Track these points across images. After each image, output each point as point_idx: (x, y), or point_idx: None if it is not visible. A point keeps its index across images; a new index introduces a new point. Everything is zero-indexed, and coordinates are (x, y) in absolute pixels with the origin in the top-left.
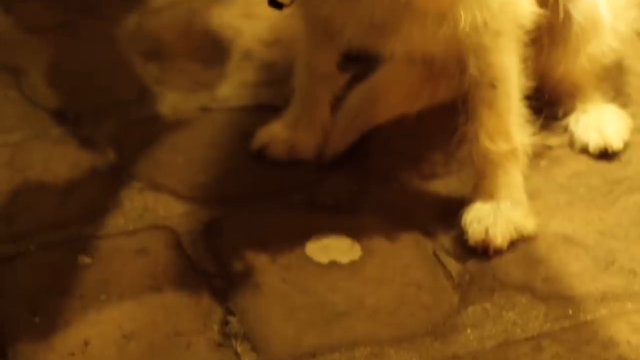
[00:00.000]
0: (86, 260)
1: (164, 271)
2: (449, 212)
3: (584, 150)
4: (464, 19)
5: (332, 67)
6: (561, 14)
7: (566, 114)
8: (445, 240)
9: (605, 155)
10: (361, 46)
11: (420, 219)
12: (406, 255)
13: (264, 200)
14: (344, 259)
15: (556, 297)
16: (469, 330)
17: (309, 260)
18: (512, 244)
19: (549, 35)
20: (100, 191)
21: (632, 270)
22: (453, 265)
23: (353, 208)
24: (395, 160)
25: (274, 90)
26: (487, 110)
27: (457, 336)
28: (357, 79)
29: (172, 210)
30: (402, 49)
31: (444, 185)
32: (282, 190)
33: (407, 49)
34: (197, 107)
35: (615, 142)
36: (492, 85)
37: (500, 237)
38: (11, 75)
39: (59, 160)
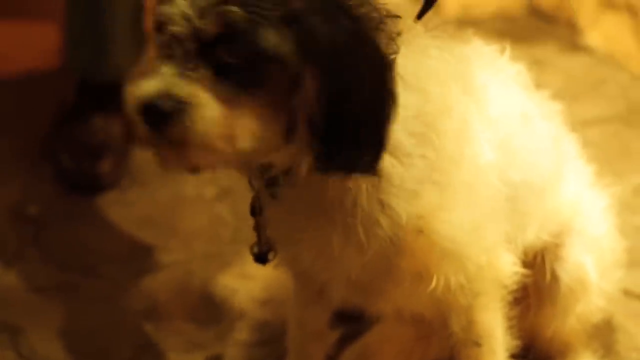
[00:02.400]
0: None
1: None
2: None
3: None
4: (437, 282)
5: (323, 325)
6: (548, 275)
7: None
8: None
9: None
10: (349, 304)
11: None
12: None
13: None
14: None
15: None
16: None
17: None
18: None
19: (536, 295)
20: None
21: None
22: None
23: None
24: None
25: (268, 350)
26: None
27: None
28: (349, 337)
29: None
30: (388, 307)
31: None
32: None
33: (393, 307)
34: None
35: None
36: (477, 344)
37: None
38: (9, 334)
39: None
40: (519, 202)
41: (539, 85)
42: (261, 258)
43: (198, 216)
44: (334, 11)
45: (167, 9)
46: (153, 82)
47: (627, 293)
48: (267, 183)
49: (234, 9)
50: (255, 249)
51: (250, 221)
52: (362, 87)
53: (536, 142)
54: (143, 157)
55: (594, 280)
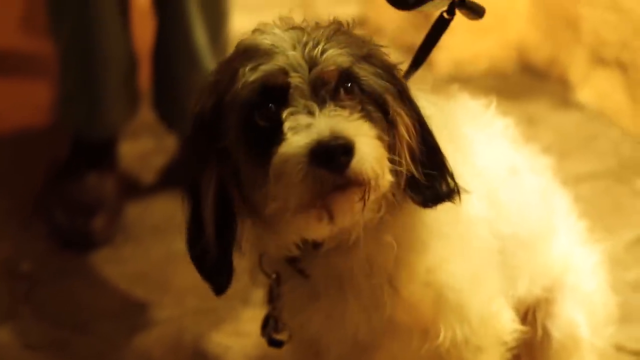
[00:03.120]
0: None
1: None
2: None
3: None
4: (444, 335)
5: None
6: (540, 332)
7: None
8: None
9: None
10: None
11: None
12: None
13: None
14: None
15: None
16: None
17: None
18: None
19: (527, 352)
20: None
21: None
22: None
23: None
24: None
25: None
26: None
27: None
28: None
29: None
30: None
31: None
32: None
33: None
34: None
35: None
36: None
37: None
38: None
39: None
40: (507, 255)
41: (530, 141)
42: (276, 342)
43: (191, 272)
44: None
45: (275, 65)
46: (310, 131)
47: (620, 349)
48: (290, 260)
49: (340, 51)
50: (270, 334)
51: (243, 277)
52: (428, 126)
53: (524, 196)
54: (136, 213)
55: (586, 336)
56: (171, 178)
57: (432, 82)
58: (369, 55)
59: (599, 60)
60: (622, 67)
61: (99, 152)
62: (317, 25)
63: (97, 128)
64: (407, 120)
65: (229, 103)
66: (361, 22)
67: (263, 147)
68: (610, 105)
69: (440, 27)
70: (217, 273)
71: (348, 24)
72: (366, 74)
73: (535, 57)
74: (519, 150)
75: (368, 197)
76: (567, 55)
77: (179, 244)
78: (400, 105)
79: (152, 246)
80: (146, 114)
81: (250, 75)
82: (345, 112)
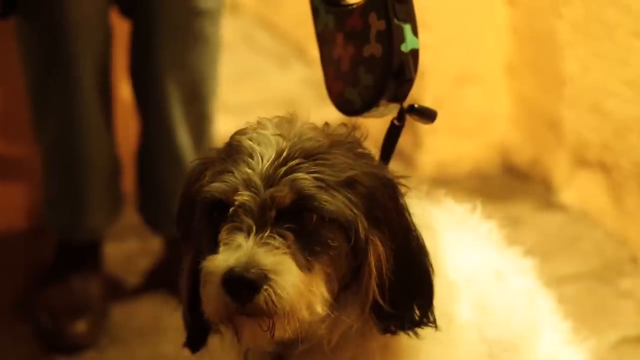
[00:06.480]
0: None
1: None
2: None
3: None
4: None
5: None
6: None
7: None
8: None
9: None
10: None
11: None
12: None
13: None
14: None
15: None
16: None
17: None
18: None
19: None
20: None
21: None
22: None
23: None
24: None
25: None
26: None
27: None
28: None
29: None
30: None
31: None
32: None
33: None
34: None
35: None
36: None
37: None
38: None
39: None
40: (495, 359)
41: (514, 242)
42: None
43: None
44: (380, 181)
45: (229, 180)
46: (234, 253)
47: None
48: (276, 356)
49: (303, 176)
50: None
51: None
52: (417, 251)
53: (510, 300)
54: (122, 315)
55: None
56: (157, 280)
57: (427, 188)
58: (352, 181)
59: (581, 161)
60: (604, 168)
61: (83, 255)
62: (316, 133)
63: (80, 231)
64: (380, 248)
65: (195, 193)
66: (346, 124)
67: (213, 243)
68: (593, 206)
69: (393, 134)
70: (191, 336)
71: (359, 139)
72: (334, 202)
73: (517, 158)
74: (503, 254)
75: (274, 329)
76: (549, 156)
77: (165, 347)
78: (377, 232)
79: (137, 349)
80: (131, 215)
81: (208, 181)
82: (277, 242)
